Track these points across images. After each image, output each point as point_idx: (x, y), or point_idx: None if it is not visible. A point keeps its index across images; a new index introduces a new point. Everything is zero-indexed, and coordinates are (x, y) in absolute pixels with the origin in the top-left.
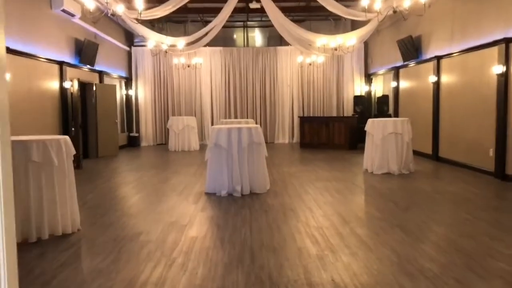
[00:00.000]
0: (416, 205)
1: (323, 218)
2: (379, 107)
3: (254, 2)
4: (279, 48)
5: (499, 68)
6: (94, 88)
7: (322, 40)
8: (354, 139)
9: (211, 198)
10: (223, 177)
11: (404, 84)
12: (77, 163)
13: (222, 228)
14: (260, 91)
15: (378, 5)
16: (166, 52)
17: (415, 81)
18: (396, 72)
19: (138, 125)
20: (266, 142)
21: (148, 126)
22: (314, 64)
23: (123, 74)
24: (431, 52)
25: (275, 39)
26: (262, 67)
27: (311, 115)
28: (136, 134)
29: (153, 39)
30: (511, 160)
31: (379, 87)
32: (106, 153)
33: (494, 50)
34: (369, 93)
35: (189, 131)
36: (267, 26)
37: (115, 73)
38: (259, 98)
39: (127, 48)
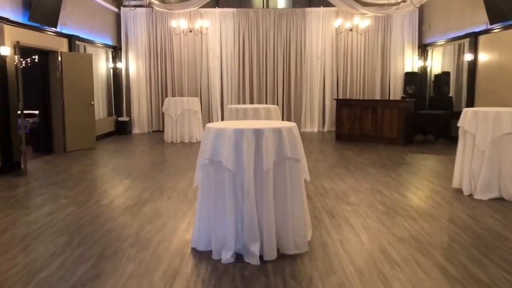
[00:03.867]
0: None
1: None
2: (438, 87)
3: None
4: (308, 9)
5: None
6: (60, 58)
7: None
8: (411, 131)
9: (202, 267)
10: (226, 225)
11: (486, 57)
12: (13, 166)
13: None
14: (283, 65)
15: None
16: (151, 7)
17: (508, 53)
18: (473, 41)
19: (129, 107)
20: None
21: (142, 108)
22: (356, 29)
23: (110, 42)
24: None
25: (302, 1)
26: (286, 34)
27: (349, 96)
28: (127, 119)
29: None
30: None
31: (436, 62)
32: (78, 146)
33: None
34: (423, 70)
35: (190, 117)
36: None
37: (98, 40)
38: (281, 74)
39: (115, 9)
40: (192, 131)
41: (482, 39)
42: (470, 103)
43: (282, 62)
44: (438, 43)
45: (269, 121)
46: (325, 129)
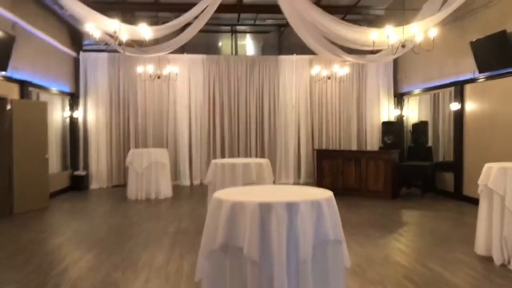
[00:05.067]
0: None
1: None
2: (416, 137)
3: None
4: (282, 57)
5: None
6: (10, 106)
7: (387, 33)
8: (397, 184)
9: None
10: None
11: (474, 106)
12: None
13: None
14: (256, 114)
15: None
16: (121, 46)
17: (500, 103)
18: (459, 89)
19: (87, 160)
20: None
21: (101, 161)
22: (335, 77)
23: (67, 89)
24: None
25: (272, 49)
26: (258, 82)
27: (325, 147)
28: (84, 173)
29: (97, 25)
30: None
31: (413, 112)
32: (29, 206)
33: None
34: (400, 119)
35: (157, 170)
36: (262, 31)
37: (54, 86)
38: (254, 123)
39: (73, 54)
40: (159, 186)
41: (468, 87)
42: (459, 155)
43: (255, 111)
44: (414, 92)
45: (296, 187)
46: (301, 181)
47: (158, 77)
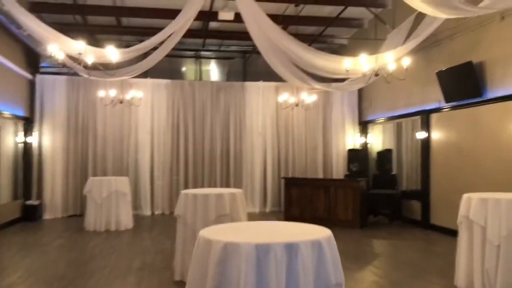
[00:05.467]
0: None
1: None
2: (381, 165)
3: (225, 10)
4: (248, 83)
5: None
6: None
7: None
8: (365, 212)
9: None
10: None
11: (440, 135)
12: None
13: None
14: (221, 140)
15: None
16: (86, 69)
17: (466, 132)
18: (425, 118)
19: (41, 188)
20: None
21: (56, 189)
22: (302, 104)
23: (20, 113)
24: (506, 87)
25: (237, 75)
26: (224, 108)
27: (291, 174)
28: (36, 202)
29: (60, 46)
30: None
31: (377, 139)
32: None
33: None
34: (365, 147)
35: (118, 200)
36: (227, 57)
37: (6, 110)
38: (219, 149)
39: (29, 76)
40: (120, 217)
41: (434, 116)
42: (425, 184)
43: (220, 138)
44: (379, 120)
45: (291, 224)
46: (267, 209)
47: (121, 102)
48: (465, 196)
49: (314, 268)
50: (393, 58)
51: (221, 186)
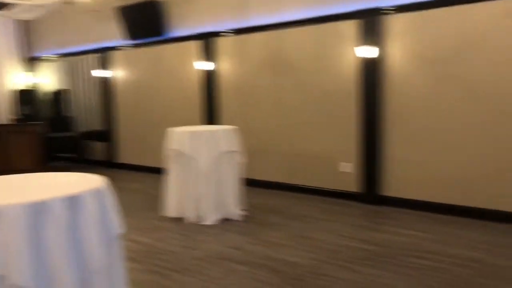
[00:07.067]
0: None
1: None
2: (57, 106)
3: None
4: None
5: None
6: None
7: None
8: (46, 158)
9: None
10: None
11: (122, 74)
12: None
13: None
14: None
15: None
16: None
17: (150, 71)
18: (105, 56)
19: None
20: None
21: None
22: None
23: None
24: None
25: None
26: None
27: None
28: None
29: None
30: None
31: (51, 79)
32: None
33: None
34: (36, 87)
35: None
36: None
37: None
38: None
39: None
40: None
41: (116, 54)
42: (108, 124)
43: None
44: (51, 58)
45: (65, 174)
46: None
47: None
48: (169, 130)
49: (98, 220)
50: None
51: None
